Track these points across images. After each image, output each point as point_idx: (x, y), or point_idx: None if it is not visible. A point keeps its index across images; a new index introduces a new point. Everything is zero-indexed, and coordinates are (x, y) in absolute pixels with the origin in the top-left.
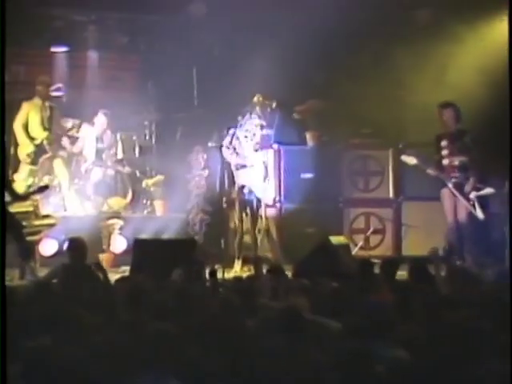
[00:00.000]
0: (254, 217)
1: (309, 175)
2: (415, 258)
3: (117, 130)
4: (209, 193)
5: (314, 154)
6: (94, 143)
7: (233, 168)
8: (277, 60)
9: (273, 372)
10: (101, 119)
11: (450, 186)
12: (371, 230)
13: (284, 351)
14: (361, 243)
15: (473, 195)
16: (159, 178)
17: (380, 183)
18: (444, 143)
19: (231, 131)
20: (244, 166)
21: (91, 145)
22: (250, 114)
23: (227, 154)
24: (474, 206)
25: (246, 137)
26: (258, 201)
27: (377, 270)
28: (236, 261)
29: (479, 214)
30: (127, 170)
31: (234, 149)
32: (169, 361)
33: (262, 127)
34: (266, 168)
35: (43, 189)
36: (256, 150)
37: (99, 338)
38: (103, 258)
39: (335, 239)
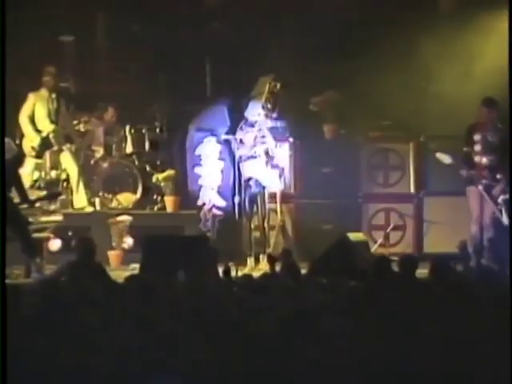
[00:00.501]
0: (263, 211)
1: (326, 169)
2: (438, 255)
3: (126, 123)
4: (222, 187)
5: (332, 148)
6: (103, 136)
7: (238, 160)
8: (293, 49)
9: (287, 373)
10: (110, 111)
11: (480, 186)
12: (391, 226)
13: (299, 353)
14: (380, 240)
15: (501, 199)
16: (170, 172)
17: (400, 178)
18: (477, 137)
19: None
20: (250, 158)
21: (100, 138)
22: (254, 101)
23: (234, 145)
24: (501, 210)
25: (251, 126)
26: (265, 193)
27: (396, 268)
28: (248, 259)
29: (505, 219)
30: (137, 164)
31: (241, 140)
32: (179, 362)
33: (266, 116)
34: (270, 157)
35: (54, 196)
36: (260, 138)
37: (107, 338)
38: (112, 255)
39: (353, 236)
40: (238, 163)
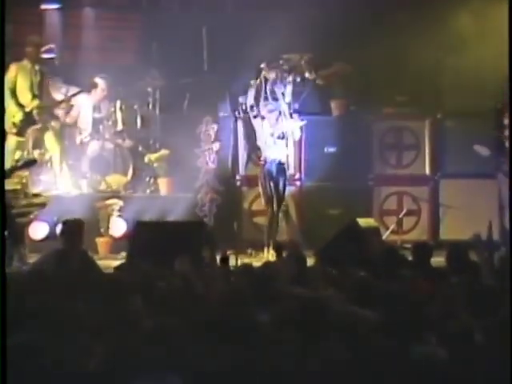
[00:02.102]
0: (281, 196)
1: (334, 149)
2: (455, 242)
3: (116, 98)
4: (220, 169)
5: (340, 126)
6: (91, 113)
7: (261, 139)
8: (296, 18)
9: (291, 369)
10: (98, 85)
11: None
12: (404, 211)
13: (304, 347)
14: (392, 226)
15: None
16: (164, 152)
17: (415, 158)
18: (507, 121)
19: (251, 94)
20: (276, 137)
21: (87, 114)
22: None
23: (257, 123)
24: None
25: (275, 100)
26: (287, 176)
27: (409, 257)
28: (266, 248)
29: None
30: (128, 143)
31: (263, 117)
32: (172, 356)
33: (283, 94)
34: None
35: (30, 163)
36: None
37: (96, 332)
38: (101, 242)
39: (363, 222)
40: (249, 142)
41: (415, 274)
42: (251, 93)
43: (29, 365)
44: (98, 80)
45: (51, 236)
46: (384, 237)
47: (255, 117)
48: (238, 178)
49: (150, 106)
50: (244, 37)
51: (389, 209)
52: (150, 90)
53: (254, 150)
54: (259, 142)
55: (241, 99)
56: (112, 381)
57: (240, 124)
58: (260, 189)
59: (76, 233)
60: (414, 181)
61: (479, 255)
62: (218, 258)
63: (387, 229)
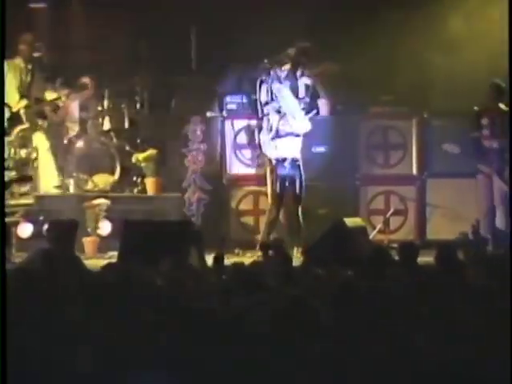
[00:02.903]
0: (298, 195)
1: (321, 149)
2: (442, 242)
3: (103, 98)
4: (207, 169)
5: (327, 125)
6: (78, 112)
7: (272, 134)
8: (285, 18)
9: (278, 370)
10: (86, 84)
11: (491, 170)
12: (391, 210)
13: (291, 347)
14: (379, 226)
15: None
16: (151, 152)
17: (402, 158)
18: (485, 122)
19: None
20: (291, 134)
21: (74, 114)
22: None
23: (275, 118)
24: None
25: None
26: (302, 175)
27: (396, 256)
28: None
29: None
30: (115, 142)
31: (279, 112)
32: (161, 357)
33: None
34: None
35: (26, 179)
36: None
37: (83, 332)
38: (87, 242)
39: (351, 221)
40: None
41: (402, 274)
42: (263, 90)
43: (14, 365)
44: (86, 79)
45: (38, 235)
46: (371, 236)
47: (262, 117)
48: (225, 177)
49: (138, 106)
50: (232, 36)
51: (376, 208)
52: (137, 89)
53: (258, 148)
54: (265, 140)
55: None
56: (100, 381)
57: (230, 123)
58: (268, 188)
59: (68, 233)
60: (401, 180)
61: (467, 254)
62: (207, 257)
63: (374, 228)
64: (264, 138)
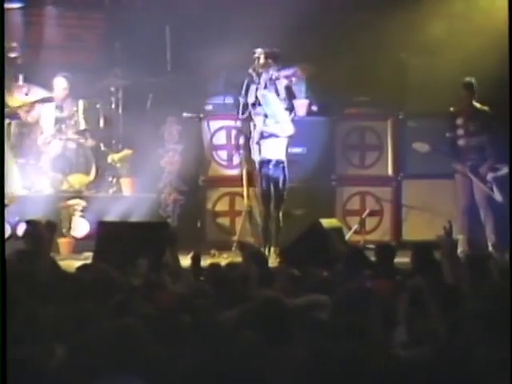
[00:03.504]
0: (280, 196)
1: (297, 150)
2: (419, 242)
3: (78, 97)
4: (183, 170)
5: (304, 126)
6: (53, 111)
7: (256, 136)
8: (261, 19)
9: (251, 372)
10: (60, 84)
11: (466, 169)
12: (367, 211)
13: (266, 349)
14: (355, 227)
15: (490, 177)
16: (127, 152)
17: (378, 159)
18: (459, 121)
19: (251, 87)
20: (275, 136)
21: (49, 113)
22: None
23: (260, 121)
24: (491, 188)
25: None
26: (286, 176)
27: (372, 257)
28: (267, 250)
29: (497, 196)
30: (90, 142)
31: (265, 116)
32: (135, 360)
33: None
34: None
35: None
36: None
37: (57, 334)
38: (62, 242)
39: (327, 222)
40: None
41: (378, 274)
42: (250, 93)
43: None
44: (60, 79)
45: (13, 237)
46: (347, 237)
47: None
48: (201, 178)
49: (113, 106)
50: (207, 37)
51: (352, 209)
52: (112, 89)
53: (244, 149)
54: (252, 142)
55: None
56: (72, 381)
57: (206, 124)
58: (257, 189)
59: (45, 234)
60: (377, 181)
61: (443, 255)
62: (183, 258)
63: (350, 229)
64: (250, 139)
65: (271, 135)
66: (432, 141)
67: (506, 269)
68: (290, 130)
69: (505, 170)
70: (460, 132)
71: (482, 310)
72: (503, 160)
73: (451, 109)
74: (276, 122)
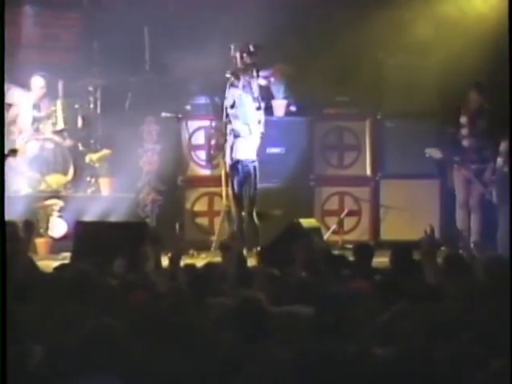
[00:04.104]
0: (252, 197)
1: (275, 150)
2: (397, 242)
3: (56, 97)
4: (162, 170)
5: (282, 126)
6: (30, 111)
7: (229, 137)
8: (240, 20)
9: (230, 371)
10: (38, 83)
11: (470, 173)
12: (346, 211)
13: (243, 349)
14: (334, 227)
15: (491, 180)
16: (105, 152)
17: (356, 159)
18: (464, 120)
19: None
20: (241, 136)
21: (27, 113)
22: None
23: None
24: (491, 192)
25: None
26: (257, 175)
27: (351, 257)
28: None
29: (495, 199)
30: (68, 142)
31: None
32: (113, 361)
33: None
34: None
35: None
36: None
37: (35, 336)
38: (40, 243)
39: (305, 222)
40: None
41: (356, 274)
42: (230, 93)
43: None
44: (38, 78)
45: None
46: (325, 237)
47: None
48: (180, 178)
49: (92, 105)
50: (186, 37)
51: (330, 209)
52: (91, 89)
53: (223, 149)
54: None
55: (217, 99)
56: (50, 382)
57: (185, 124)
58: (230, 190)
59: (23, 234)
60: (355, 181)
61: (423, 255)
62: (163, 258)
63: (328, 229)
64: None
65: (240, 136)
66: (412, 142)
67: (490, 269)
68: (258, 131)
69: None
70: (464, 132)
71: (462, 310)
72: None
73: (456, 104)
74: (244, 123)
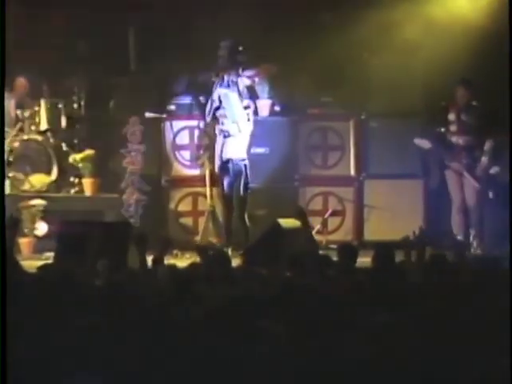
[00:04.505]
0: (242, 196)
1: (260, 150)
2: (380, 242)
3: (40, 96)
4: (146, 170)
5: (266, 126)
6: (14, 111)
7: (218, 136)
8: (224, 20)
9: (214, 371)
10: (21, 83)
11: (461, 167)
12: (330, 211)
13: (228, 350)
14: (318, 227)
15: (486, 176)
16: (89, 152)
17: (340, 159)
18: (452, 117)
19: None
20: (230, 135)
21: (10, 113)
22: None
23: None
24: (487, 188)
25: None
26: (248, 175)
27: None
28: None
29: (490, 194)
30: (52, 142)
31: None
32: (97, 360)
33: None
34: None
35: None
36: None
37: (16, 335)
38: (24, 242)
39: (289, 222)
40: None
41: (340, 275)
42: (215, 92)
43: None
44: (22, 78)
45: None
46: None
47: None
48: (164, 178)
49: (76, 105)
50: (170, 37)
51: (314, 209)
52: (75, 89)
53: (207, 149)
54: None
55: (201, 99)
56: (33, 381)
57: (169, 124)
58: (220, 190)
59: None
60: (339, 181)
61: (407, 255)
62: (148, 258)
63: (313, 229)
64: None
65: (230, 135)
66: (395, 142)
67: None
68: (247, 129)
69: (497, 169)
70: (453, 128)
71: (446, 310)
72: (495, 159)
73: (443, 103)
74: (233, 121)
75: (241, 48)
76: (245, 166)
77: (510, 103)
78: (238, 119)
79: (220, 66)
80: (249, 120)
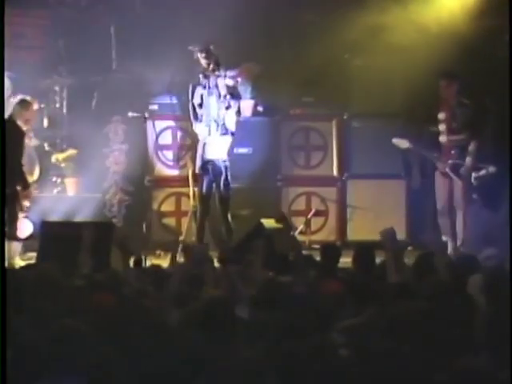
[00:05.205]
0: (224, 196)
1: (243, 150)
2: (361, 243)
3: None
4: (129, 170)
5: (249, 126)
6: None
7: (200, 137)
8: (207, 19)
9: (197, 371)
10: (4, 83)
11: (447, 167)
12: (312, 211)
13: (211, 350)
14: (301, 227)
15: (474, 177)
16: (71, 152)
17: (323, 159)
18: (442, 116)
19: (198, 90)
20: (213, 135)
21: None
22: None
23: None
24: (475, 189)
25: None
26: (228, 175)
27: (317, 257)
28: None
29: (478, 196)
30: (34, 142)
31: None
32: (79, 360)
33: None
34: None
35: None
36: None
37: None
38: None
39: (272, 222)
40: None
41: (323, 275)
42: (197, 92)
43: None
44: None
45: None
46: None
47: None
48: (147, 178)
49: (58, 105)
50: (152, 36)
51: (297, 209)
52: (57, 88)
53: (190, 149)
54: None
55: (184, 99)
56: (16, 382)
57: (152, 124)
58: (191, 189)
59: None
60: (322, 181)
61: (387, 255)
62: (130, 259)
63: (296, 229)
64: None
65: (212, 135)
66: (412, 137)
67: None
68: (229, 130)
69: (483, 171)
70: (442, 127)
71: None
72: (485, 159)
73: (430, 101)
74: (214, 122)
75: (222, 48)
76: (225, 167)
77: (510, 103)
78: (219, 120)
79: (201, 66)
80: (230, 121)
